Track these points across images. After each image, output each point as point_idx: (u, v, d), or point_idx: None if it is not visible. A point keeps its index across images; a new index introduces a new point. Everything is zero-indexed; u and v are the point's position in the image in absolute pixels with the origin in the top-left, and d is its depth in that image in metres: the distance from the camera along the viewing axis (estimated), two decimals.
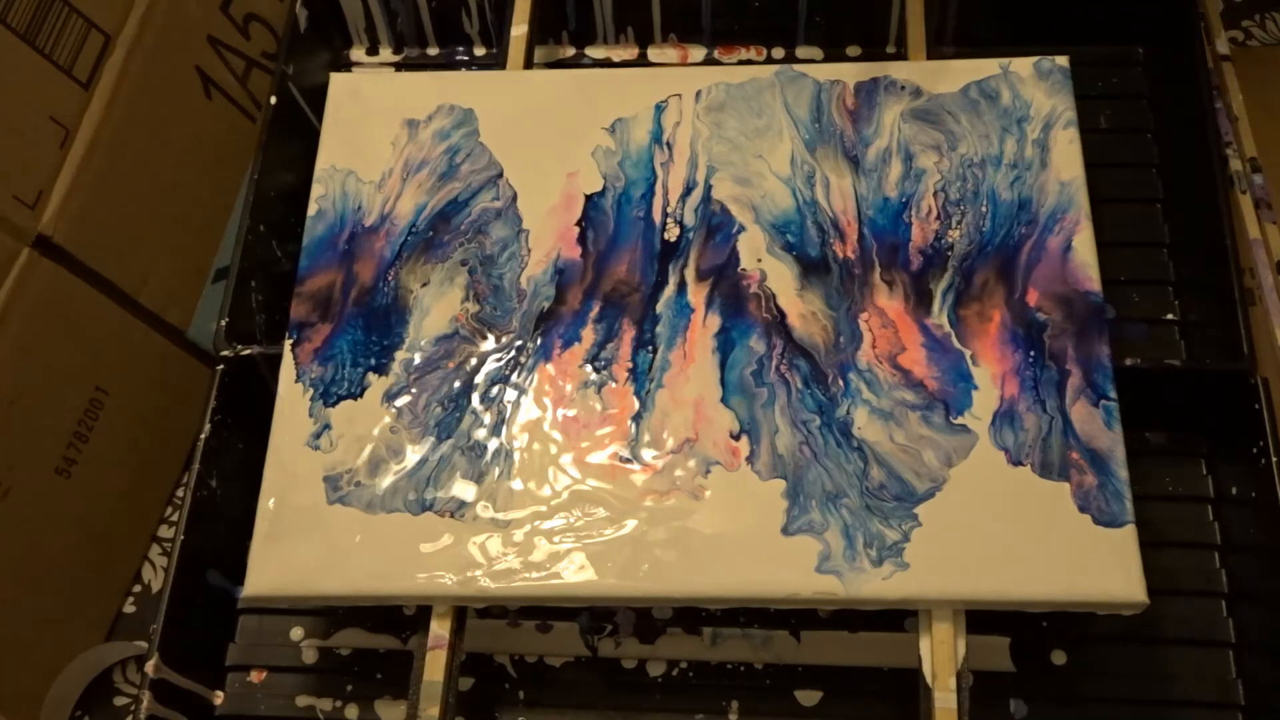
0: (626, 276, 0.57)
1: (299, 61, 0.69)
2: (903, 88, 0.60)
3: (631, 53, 0.76)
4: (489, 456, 0.53)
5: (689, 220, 0.58)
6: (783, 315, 0.55)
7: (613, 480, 0.53)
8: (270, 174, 0.65)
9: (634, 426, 0.54)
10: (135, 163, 0.65)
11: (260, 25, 0.74)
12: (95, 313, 0.64)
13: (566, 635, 0.61)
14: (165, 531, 0.72)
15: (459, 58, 0.77)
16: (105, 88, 0.62)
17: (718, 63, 0.75)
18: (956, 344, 0.54)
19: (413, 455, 0.54)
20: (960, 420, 0.53)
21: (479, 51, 0.77)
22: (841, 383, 0.54)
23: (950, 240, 0.56)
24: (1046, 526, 0.51)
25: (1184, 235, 0.66)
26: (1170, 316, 0.65)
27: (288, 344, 0.57)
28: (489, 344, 0.56)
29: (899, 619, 0.59)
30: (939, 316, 0.55)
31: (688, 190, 0.58)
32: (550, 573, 0.51)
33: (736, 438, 0.53)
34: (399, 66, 0.77)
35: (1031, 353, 0.54)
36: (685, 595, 0.51)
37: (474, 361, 0.55)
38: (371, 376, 0.56)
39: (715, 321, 0.55)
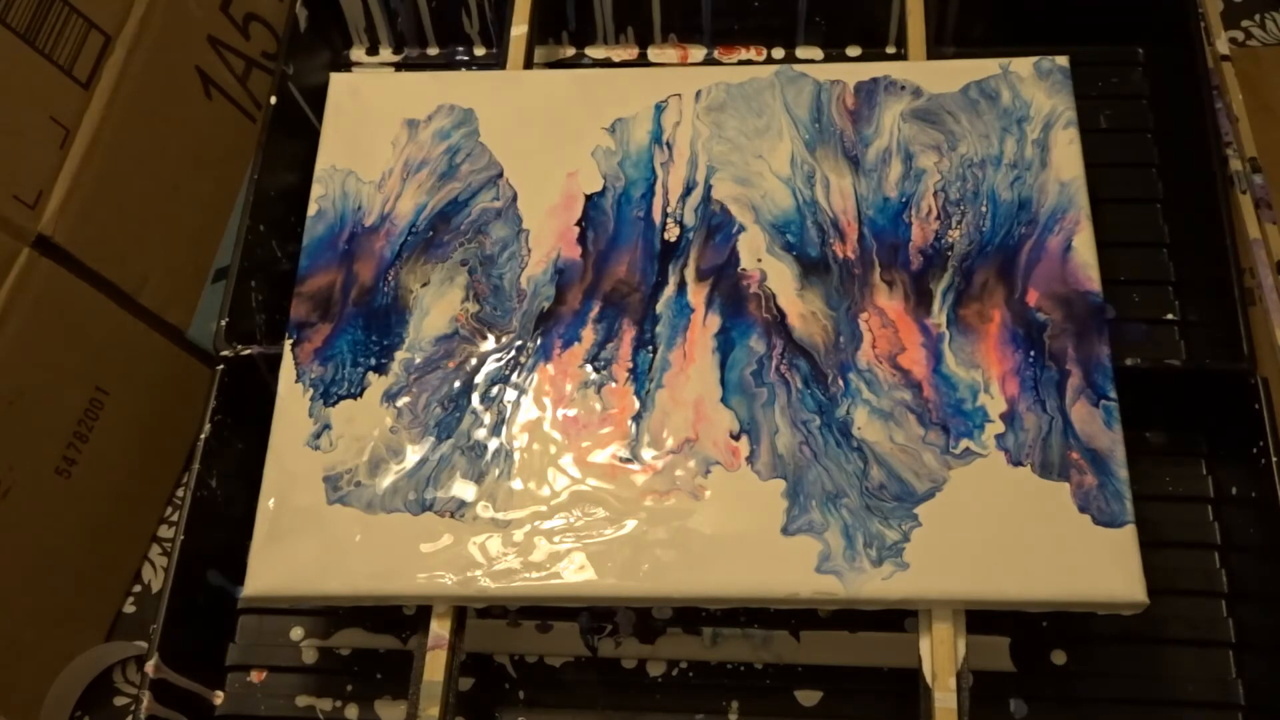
0: (626, 276, 0.57)
1: (299, 61, 0.70)
2: (903, 88, 0.60)
3: (631, 53, 0.76)
4: (489, 456, 0.53)
5: (689, 220, 0.58)
6: (783, 315, 0.55)
7: (613, 480, 0.53)
8: (270, 174, 0.65)
9: (634, 426, 0.54)
10: (135, 163, 0.65)
11: (260, 25, 0.74)
12: (95, 313, 0.64)
13: (566, 635, 0.61)
14: (165, 531, 0.72)
15: (459, 58, 0.77)
16: (105, 88, 0.62)
17: (718, 63, 0.75)
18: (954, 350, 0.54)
19: (413, 455, 0.54)
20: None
21: (479, 51, 0.77)
22: (841, 383, 0.54)
23: (950, 240, 0.56)
24: (1046, 526, 0.51)
25: (1184, 235, 0.66)
26: (1170, 316, 0.65)
27: (288, 344, 0.57)
28: (489, 344, 0.56)
29: (899, 619, 0.59)
30: (939, 316, 0.55)
31: (688, 190, 0.58)
32: (550, 573, 0.51)
33: (736, 438, 0.53)
34: (399, 66, 0.77)
35: (1031, 353, 0.54)
36: (685, 595, 0.51)
37: (474, 361, 0.55)
38: (371, 376, 0.56)
39: (715, 321, 0.55)
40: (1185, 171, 0.66)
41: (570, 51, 0.76)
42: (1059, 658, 0.59)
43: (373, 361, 0.56)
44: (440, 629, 0.53)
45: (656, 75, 0.63)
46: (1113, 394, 0.53)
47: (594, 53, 0.76)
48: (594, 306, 0.56)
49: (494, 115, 0.61)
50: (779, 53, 0.75)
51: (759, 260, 0.56)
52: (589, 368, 0.55)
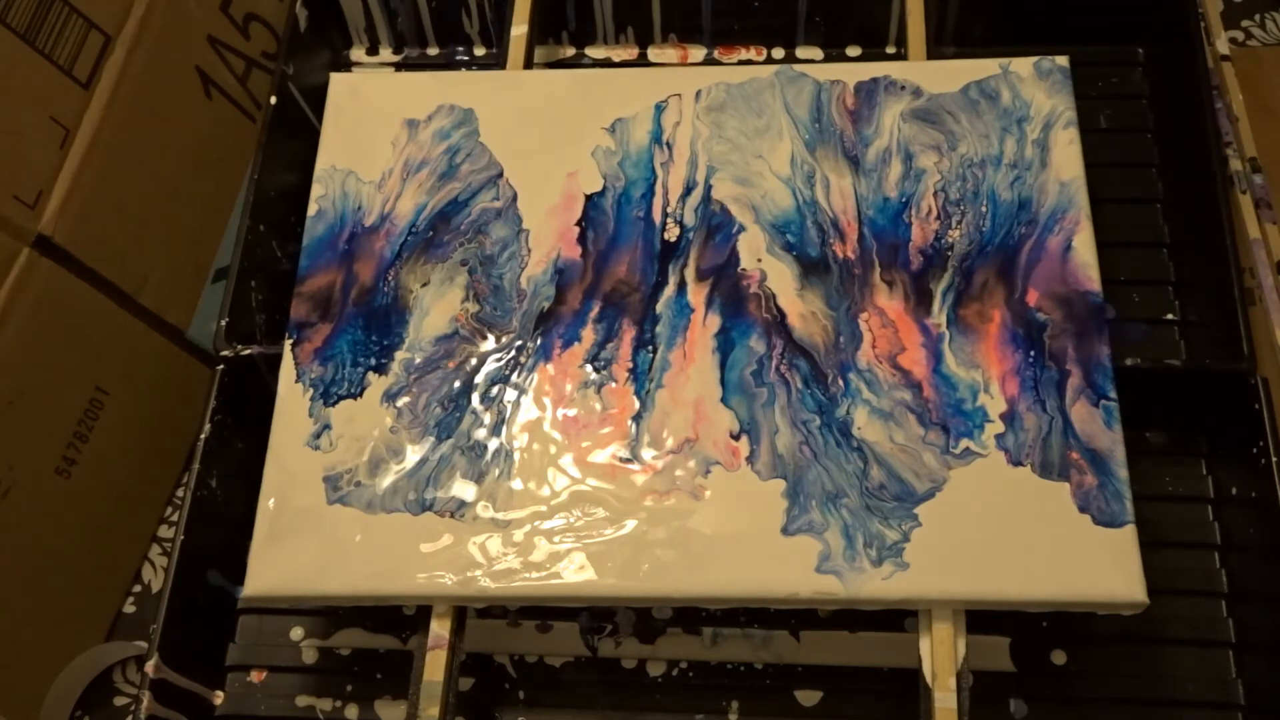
0: (626, 276, 0.57)
1: (299, 61, 0.70)
2: (903, 88, 0.60)
3: (631, 53, 0.76)
4: (489, 456, 0.53)
5: (689, 220, 0.58)
6: (783, 315, 0.55)
7: (613, 480, 0.53)
8: (270, 174, 0.65)
9: (634, 426, 0.54)
10: (135, 163, 0.65)
11: (260, 25, 0.74)
12: (95, 313, 0.64)
13: (566, 635, 0.61)
14: (165, 531, 0.72)
15: (459, 58, 0.77)
16: (105, 88, 0.62)
17: (718, 63, 0.75)
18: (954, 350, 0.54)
19: (413, 455, 0.54)
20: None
21: (479, 51, 0.77)
22: (841, 383, 0.54)
23: (950, 240, 0.56)
24: (1046, 526, 0.51)
25: (1184, 235, 0.66)
26: (1170, 316, 0.65)
27: (288, 344, 0.57)
28: (489, 344, 0.56)
29: (899, 619, 0.59)
30: (939, 316, 0.55)
31: (688, 190, 0.58)
32: (550, 573, 0.51)
33: (736, 438, 0.53)
34: (399, 66, 0.77)
35: (1031, 353, 0.54)
36: (685, 595, 0.51)
37: (474, 361, 0.55)
38: (371, 376, 0.56)
39: (715, 321, 0.55)
40: (1185, 171, 0.66)
41: (570, 51, 0.76)
42: (1059, 658, 0.59)
43: (373, 361, 0.56)
44: (440, 629, 0.53)
45: (656, 75, 0.63)
46: (1113, 394, 0.53)
47: (594, 53, 0.76)
48: (594, 306, 0.56)
49: (494, 115, 0.61)
50: (779, 53, 0.75)
51: (759, 260, 0.56)
52: (589, 368, 0.55)
